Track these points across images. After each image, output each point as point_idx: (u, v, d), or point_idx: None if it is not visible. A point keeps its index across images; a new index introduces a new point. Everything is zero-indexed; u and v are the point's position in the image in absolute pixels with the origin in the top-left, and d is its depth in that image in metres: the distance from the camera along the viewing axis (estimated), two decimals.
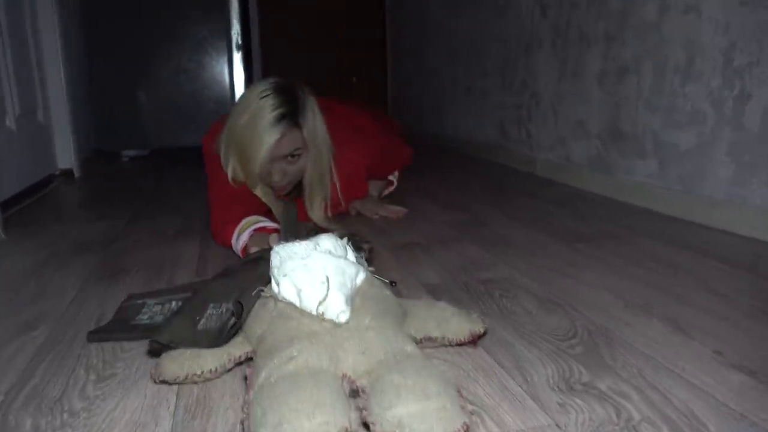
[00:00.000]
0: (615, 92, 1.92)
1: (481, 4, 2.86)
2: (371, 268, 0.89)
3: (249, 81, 3.43)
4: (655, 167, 1.76)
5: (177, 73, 3.12)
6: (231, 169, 1.41)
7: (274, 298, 0.77)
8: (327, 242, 0.82)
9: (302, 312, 0.74)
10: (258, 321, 0.78)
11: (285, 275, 0.76)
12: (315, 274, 0.75)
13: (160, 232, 1.61)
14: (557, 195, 2.00)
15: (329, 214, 1.54)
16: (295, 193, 1.54)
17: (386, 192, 1.98)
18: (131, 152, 3.14)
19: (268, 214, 1.45)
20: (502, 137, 2.74)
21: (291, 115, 1.32)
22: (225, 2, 3.11)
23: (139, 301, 1.04)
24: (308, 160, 1.42)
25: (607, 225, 1.57)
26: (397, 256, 1.33)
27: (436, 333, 0.83)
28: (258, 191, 1.44)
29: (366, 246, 1.00)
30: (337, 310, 0.73)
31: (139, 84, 3.07)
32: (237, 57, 3.25)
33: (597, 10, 1.97)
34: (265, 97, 1.32)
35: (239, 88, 3.27)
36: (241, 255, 1.28)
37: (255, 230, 1.31)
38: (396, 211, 1.73)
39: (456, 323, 0.84)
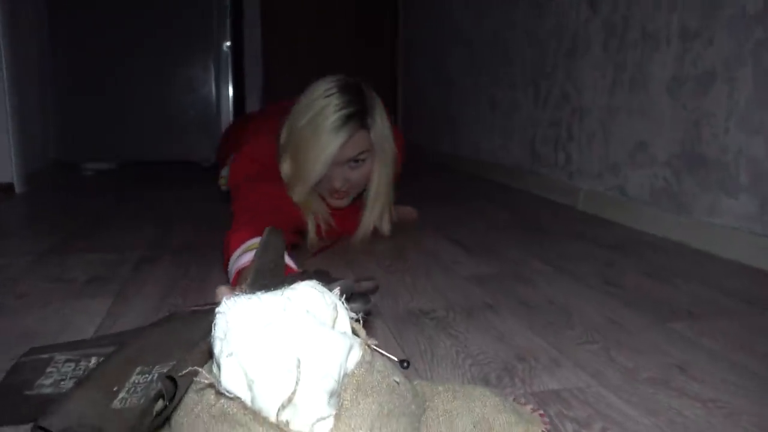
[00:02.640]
0: (694, 107, 1.46)
1: (511, 2, 2.42)
2: (373, 341, 0.54)
3: (238, 87, 3.00)
4: (755, 208, 1.29)
5: (154, 76, 2.69)
6: (285, 174, 1.30)
7: (215, 387, 0.47)
8: (305, 295, 0.50)
9: (254, 416, 0.46)
10: (190, 422, 0.50)
11: (230, 354, 0.46)
12: (278, 355, 0.46)
13: (67, 278, 1.15)
14: (614, 238, 1.53)
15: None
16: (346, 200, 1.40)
17: None
18: (96, 165, 2.70)
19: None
20: (533, 160, 2.28)
21: (358, 116, 1.23)
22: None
23: (45, 356, 0.74)
24: (375, 165, 1.32)
25: (702, 289, 1.10)
26: (401, 335, 0.87)
27: None
28: (307, 201, 1.30)
29: (370, 285, 0.73)
30: (312, 415, 0.45)
31: (108, 87, 2.64)
32: (225, 59, 2.82)
33: (670, 0, 1.53)
34: (330, 95, 1.22)
35: (226, 95, 2.83)
36: (232, 283, 0.94)
37: None
38: (410, 211, 1.65)
39: (503, 423, 0.56)
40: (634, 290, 1.10)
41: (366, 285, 0.73)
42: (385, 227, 1.45)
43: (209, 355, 0.52)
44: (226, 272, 1.03)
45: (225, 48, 2.84)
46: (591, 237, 1.54)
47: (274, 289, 0.51)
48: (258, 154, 1.34)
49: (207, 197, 2.13)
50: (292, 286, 0.51)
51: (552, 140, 2.13)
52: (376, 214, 1.42)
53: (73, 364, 0.73)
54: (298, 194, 1.30)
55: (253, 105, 3.75)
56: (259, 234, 0.95)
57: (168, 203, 2.00)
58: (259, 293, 0.50)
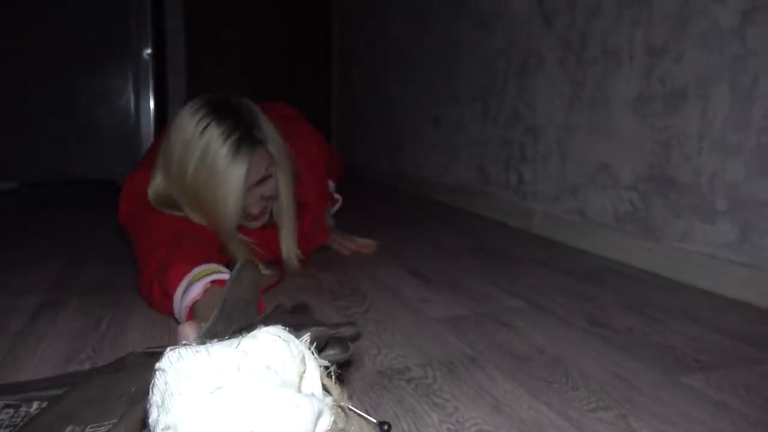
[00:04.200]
0: (663, 126, 1.38)
1: (455, 15, 2.32)
2: (347, 401, 0.47)
3: (159, 98, 2.74)
4: (734, 234, 1.21)
5: (65, 85, 2.40)
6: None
7: None
8: (266, 347, 0.42)
9: None
10: None
11: (167, 428, 0.38)
12: (229, 430, 0.37)
13: None
14: (581, 267, 1.42)
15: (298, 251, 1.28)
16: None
17: (334, 210, 1.64)
18: None
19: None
20: (481, 181, 2.17)
21: (247, 136, 1.05)
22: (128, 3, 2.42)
23: None
24: (279, 176, 1.16)
25: (698, 330, 0.99)
26: (375, 404, 0.69)
27: None
28: (233, 245, 1.14)
29: (350, 331, 0.59)
30: None
31: (8, 96, 2.32)
32: (146, 68, 2.56)
33: (634, 15, 1.45)
34: (206, 128, 1.03)
35: (146, 107, 2.57)
36: (185, 319, 0.85)
37: (213, 282, 0.87)
38: (367, 244, 1.52)
39: None
40: (626, 333, 0.97)
41: (345, 331, 0.58)
42: (290, 248, 1.27)
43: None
44: (166, 313, 0.96)
45: (145, 56, 2.58)
46: (556, 265, 1.42)
47: (230, 336, 0.43)
48: (141, 189, 1.13)
49: None
50: (252, 333, 0.43)
51: (503, 160, 2.03)
52: (292, 230, 1.26)
53: (11, 411, 0.66)
54: (228, 243, 1.14)
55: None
56: (196, 264, 0.91)
57: (78, 231, 1.74)
58: (209, 344, 0.41)
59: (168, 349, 0.41)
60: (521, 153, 1.92)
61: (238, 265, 0.73)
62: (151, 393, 0.40)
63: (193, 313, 0.85)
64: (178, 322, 0.89)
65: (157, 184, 1.10)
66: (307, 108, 4.08)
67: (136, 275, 1.21)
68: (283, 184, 1.18)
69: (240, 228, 1.20)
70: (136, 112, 2.53)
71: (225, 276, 0.89)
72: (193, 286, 0.87)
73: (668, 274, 1.34)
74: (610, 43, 1.52)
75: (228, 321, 0.66)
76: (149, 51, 2.57)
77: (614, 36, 1.51)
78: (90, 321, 0.97)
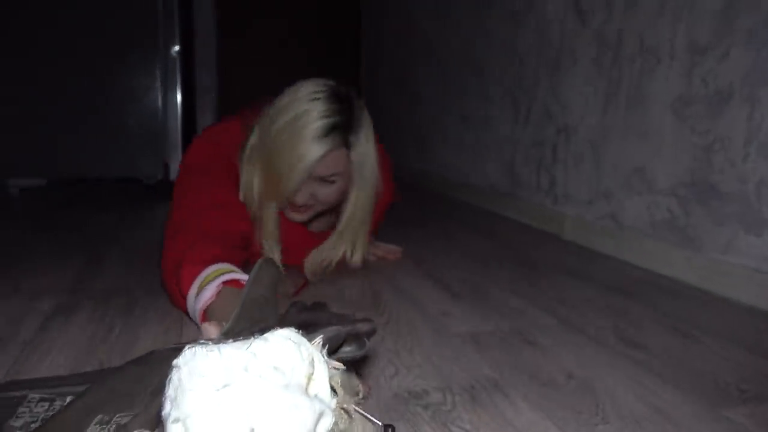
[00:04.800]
0: (704, 129, 1.30)
1: (485, 11, 2.24)
2: (357, 402, 0.47)
3: (187, 96, 2.73)
4: None
5: (92, 82, 2.40)
6: (247, 182, 1.13)
7: None
8: (275, 349, 0.44)
9: None
10: None
11: (176, 420, 0.41)
12: (229, 425, 0.40)
13: None
14: (614, 277, 1.35)
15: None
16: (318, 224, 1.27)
17: None
18: (22, 182, 2.38)
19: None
20: (511, 183, 2.10)
21: (342, 129, 1.06)
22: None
23: (18, 394, 0.69)
24: (352, 190, 1.16)
25: (741, 354, 0.92)
26: None
27: None
28: (268, 213, 1.14)
29: (367, 327, 0.57)
30: None
31: (35, 92, 2.33)
32: (173, 65, 2.55)
33: (676, 10, 1.36)
34: (315, 99, 1.05)
35: (174, 105, 2.56)
36: (200, 321, 0.86)
37: (225, 282, 0.87)
38: (393, 251, 1.46)
39: None
40: (662, 355, 0.91)
41: (361, 327, 0.57)
42: (356, 257, 1.27)
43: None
44: (175, 301, 0.97)
45: (173, 53, 2.57)
46: (587, 275, 1.36)
47: (245, 338, 0.46)
48: (222, 137, 1.18)
49: (146, 221, 1.86)
50: (264, 335, 0.46)
51: (533, 161, 1.95)
52: (341, 245, 1.25)
53: (47, 404, 0.70)
54: (261, 209, 1.15)
55: (204, 115, 3.47)
56: (209, 264, 0.91)
57: (100, 229, 1.73)
58: (222, 344, 0.44)
59: (187, 346, 0.44)
60: (553, 154, 1.85)
61: (257, 264, 0.73)
62: (167, 387, 0.44)
63: (207, 316, 0.85)
64: (192, 321, 0.91)
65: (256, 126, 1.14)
66: None
67: (153, 279, 1.19)
68: (353, 199, 1.18)
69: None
70: (163, 109, 2.52)
71: (236, 275, 0.88)
72: (206, 288, 0.87)
73: (709, 288, 1.26)
74: (649, 40, 1.44)
75: (248, 320, 0.67)
76: (177, 48, 2.55)
77: (653, 32, 1.43)
78: (101, 329, 0.95)
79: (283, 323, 0.56)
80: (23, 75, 2.33)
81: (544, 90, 1.88)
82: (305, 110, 1.04)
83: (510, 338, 0.96)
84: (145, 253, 1.44)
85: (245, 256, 1.11)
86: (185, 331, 0.95)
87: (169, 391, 0.44)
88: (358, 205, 1.19)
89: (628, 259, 1.50)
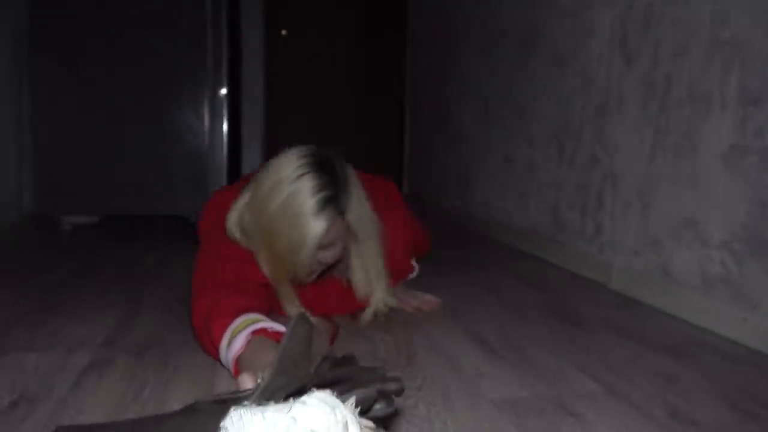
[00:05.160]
0: (760, 181, 1.23)
1: (528, 52, 2.23)
2: None
3: (233, 137, 2.79)
4: None
5: (141, 123, 2.48)
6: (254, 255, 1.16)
7: None
8: (312, 414, 0.48)
9: None
10: None
11: None
12: None
13: None
14: (664, 335, 1.28)
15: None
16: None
17: (409, 278, 1.54)
18: (75, 219, 2.47)
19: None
20: (554, 227, 2.04)
21: (336, 199, 1.08)
22: (202, 38, 2.48)
23: None
24: (360, 250, 1.22)
25: None
26: None
27: None
28: (283, 288, 1.18)
29: (395, 387, 0.59)
30: None
31: (91, 130, 2.42)
32: (220, 106, 2.62)
33: (726, 56, 1.31)
34: (303, 175, 1.06)
35: (220, 145, 2.62)
36: (233, 371, 0.92)
37: (254, 332, 0.91)
38: (431, 302, 1.43)
39: None
40: None
41: (390, 386, 0.60)
42: (390, 301, 1.33)
43: None
44: (208, 352, 1.02)
45: (221, 95, 2.64)
46: (635, 332, 1.29)
47: (283, 397, 0.52)
48: (230, 205, 1.20)
49: (189, 260, 1.89)
50: (302, 398, 0.50)
51: (578, 206, 1.90)
52: (377, 289, 1.29)
53: None
54: (276, 285, 1.19)
55: (250, 154, 3.55)
56: (235, 315, 0.95)
57: (143, 268, 1.76)
58: (265, 408, 0.49)
59: (232, 408, 0.48)
60: (598, 200, 1.79)
61: (292, 321, 0.75)
62: None
63: (239, 365, 0.89)
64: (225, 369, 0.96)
65: (240, 207, 1.15)
66: (380, 141, 4.09)
67: (187, 329, 1.20)
68: (361, 250, 1.22)
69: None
70: (210, 150, 2.58)
71: (264, 324, 0.93)
72: (236, 339, 0.91)
73: (765, 350, 1.19)
74: (698, 88, 1.39)
75: (284, 376, 0.68)
76: (224, 91, 2.62)
77: (703, 80, 1.38)
78: (132, 387, 0.95)
79: (316, 379, 0.61)
80: (80, 116, 2.43)
81: (590, 134, 1.84)
82: (296, 190, 1.05)
83: (548, 407, 0.91)
84: (183, 294, 1.45)
85: (269, 303, 1.14)
86: (216, 382, 0.97)
87: None
88: (367, 254, 1.23)
89: (679, 314, 1.42)
